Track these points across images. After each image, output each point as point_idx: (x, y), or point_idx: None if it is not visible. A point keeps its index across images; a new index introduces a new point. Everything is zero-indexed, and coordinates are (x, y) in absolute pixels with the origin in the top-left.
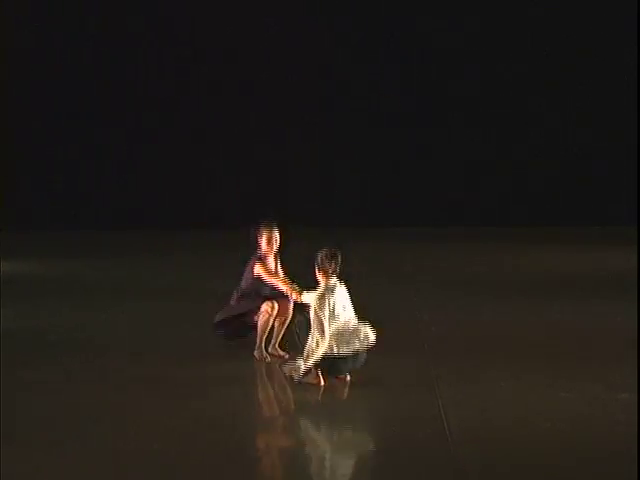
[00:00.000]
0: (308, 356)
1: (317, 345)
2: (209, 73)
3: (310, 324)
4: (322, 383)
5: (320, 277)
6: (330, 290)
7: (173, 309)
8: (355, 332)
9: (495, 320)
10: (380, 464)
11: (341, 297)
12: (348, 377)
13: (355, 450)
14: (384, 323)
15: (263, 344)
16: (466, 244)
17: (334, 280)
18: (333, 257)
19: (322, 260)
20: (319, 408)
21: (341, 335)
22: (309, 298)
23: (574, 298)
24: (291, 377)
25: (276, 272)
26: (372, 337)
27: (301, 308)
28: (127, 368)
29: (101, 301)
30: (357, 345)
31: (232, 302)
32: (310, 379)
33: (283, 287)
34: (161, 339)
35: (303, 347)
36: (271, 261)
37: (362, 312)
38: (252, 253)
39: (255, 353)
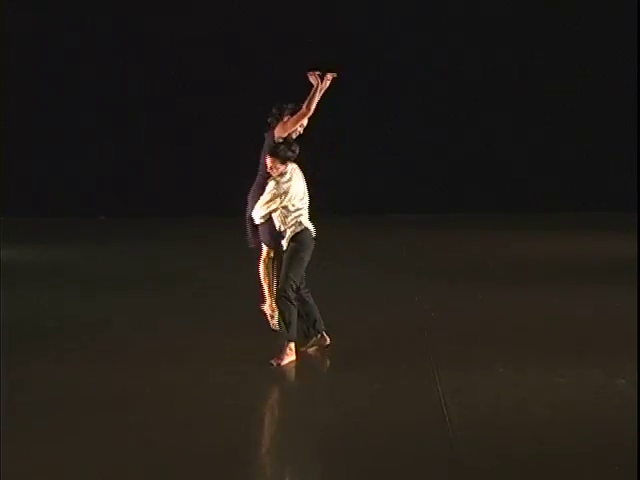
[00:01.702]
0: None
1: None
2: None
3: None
4: (294, 358)
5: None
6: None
7: (173, 299)
8: None
9: (494, 307)
10: (379, 451)
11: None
12: (327, 340)
13: (353, 437)
14: (383, 310)
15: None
16: (466, 231)
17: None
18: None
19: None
20: (316, 394)
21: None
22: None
23: (573, 285)
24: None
25: None
26: None
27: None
28: (127, 359)
29: (101, 289)
30: None
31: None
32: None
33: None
34: (161, 329)
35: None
36: None
37: (361, 298)
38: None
39: (265, 308)
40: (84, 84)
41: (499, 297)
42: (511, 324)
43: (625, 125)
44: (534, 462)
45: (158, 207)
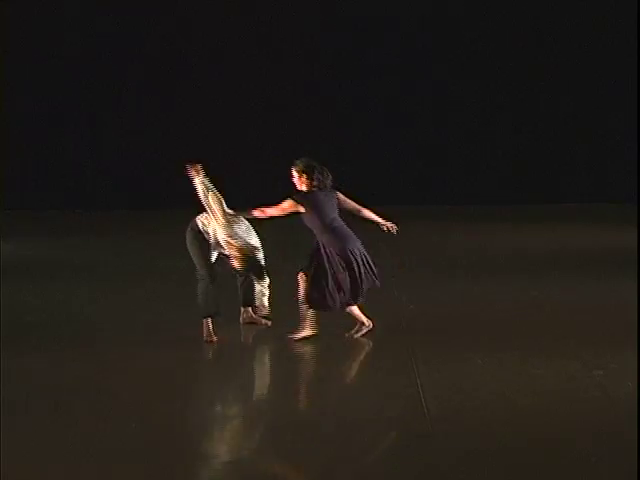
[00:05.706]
0: None
1: None
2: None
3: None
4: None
5: None
6: None
7: (163, 291)
8: None
9: (473, 298)
10: (356, 442)
11: None
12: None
13: (331, 428)
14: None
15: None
16: (446, 223)
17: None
18: None
19: None
20: (294, 387)
21: None
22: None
23: (552, 276)
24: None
25: None
26: None
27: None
28: (117, 354)
29: (90, 283)
30: None
31: None
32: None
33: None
34: (161, 319)
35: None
36: None
37: None
38: None
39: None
40: (83, 86)
41: (478, 288)
42: (491, 315)
43: (625, 118)
44: (514, 452)
45: (158, 199)
